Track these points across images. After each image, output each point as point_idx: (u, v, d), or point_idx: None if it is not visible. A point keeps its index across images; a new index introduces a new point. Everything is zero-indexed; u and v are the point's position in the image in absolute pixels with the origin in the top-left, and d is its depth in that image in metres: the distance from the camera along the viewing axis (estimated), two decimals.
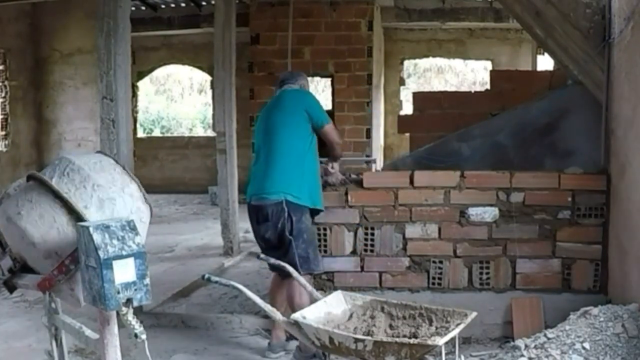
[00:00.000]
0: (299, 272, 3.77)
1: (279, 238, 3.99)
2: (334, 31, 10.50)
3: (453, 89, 17.79)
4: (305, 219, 4.03)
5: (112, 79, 4.78)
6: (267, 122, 4.16)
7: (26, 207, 2.47)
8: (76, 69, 11.84)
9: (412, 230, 4.49)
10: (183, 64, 13.82)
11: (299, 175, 4.00)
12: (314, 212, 4.17)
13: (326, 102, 16.37)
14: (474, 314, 3.10)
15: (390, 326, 3.15)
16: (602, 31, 4.17)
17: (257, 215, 4.05)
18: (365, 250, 4.54)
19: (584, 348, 3.21)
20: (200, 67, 13.48)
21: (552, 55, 5.13)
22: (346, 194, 4.50)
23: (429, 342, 2.79)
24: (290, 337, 4.18)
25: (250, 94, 10.73)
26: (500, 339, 4.30)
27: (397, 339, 2.86)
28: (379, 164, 10.34)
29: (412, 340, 2.82)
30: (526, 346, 3.41)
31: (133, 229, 2.31)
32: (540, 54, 10.67)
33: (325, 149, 4.31)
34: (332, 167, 4.43)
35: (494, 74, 6.90)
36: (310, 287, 3.59)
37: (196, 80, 20.59)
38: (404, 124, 6.08)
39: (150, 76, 15.50)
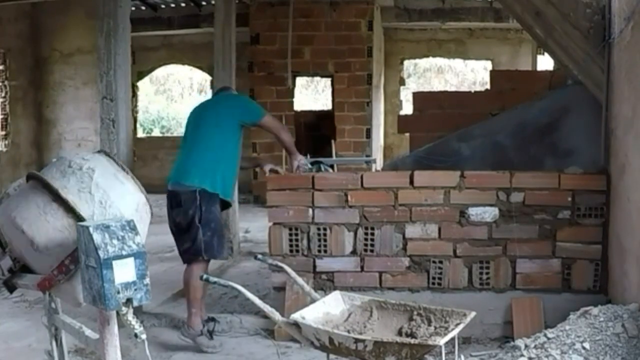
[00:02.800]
0: (203, 258, 4.28)
1: (188, 224, 4.26)
2: (334, 31, 10.50)
3: (453, 89, 17.80)
4: (215, 209, 4.30)
5: (112, 79, 4.78)
6: (198, 116, 4.54)
7: (26, 207, 2.47)
8: (76, 69, 11.83)
9: (412, 230, 4.49)
10: (183, 64, 13.82)
11: (214, 167, 4.28)
12: (225, 205, 4.49)
13: (326, 102, 16.48)
14: (473, 313, 3.10)
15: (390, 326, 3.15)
16: (602, 31, 4.17)
17: (172, 201, 4.36)
18: (365, 250, 4.54)
19: (584, 348, 3.21)
20: (200, 67, 13.47)
21: (552, 55, 5.13)
22: (346, 194, 4.51)
23: (429, 342, 2.79)
24: (208, 333, 4.33)
25: (250, 94, 10.73)
26: (500, 339, 4.30)
27: (397, 339, 2.86)
28: (379, 164, 10.34)
29: (412, 340, 2.83)
30: (526, 346, 3.41)
31: (133, 228, 2.31)
32: (540, 54, 10.68)
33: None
34: (297, 166, 4.59)
35: (494, 74, 6.90)
36: (308, 288, 3.59)
37: (196, 80, 20.59)
38: (404, 124, 6.09)
39: (150, 76, 15.50)
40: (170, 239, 7.91)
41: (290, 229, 4.61)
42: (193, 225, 4.24)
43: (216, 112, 4.48)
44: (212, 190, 4.27)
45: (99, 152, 2.82)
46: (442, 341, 2.78)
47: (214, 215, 4.30)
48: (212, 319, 4.44)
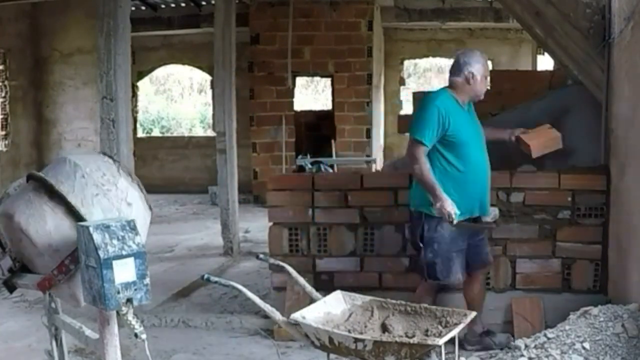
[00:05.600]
0: (425, 279, 3.96)
1: (412, 244, 4.09)
2: (334, 31, 10.51)
3: None
4: (441, 228, 3.83)
5: (112, 79, 4.79)
6: None
7: (25, 206, 2.47)
8: (76, 69, 11.83)
9: None
10: (183, 64, 13.82)
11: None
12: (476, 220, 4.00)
13: (326, 102, 16.49)
14: (473, 313, 3.11)
15: (390, 326, 3.15)
16: (602, 31, 4.17)
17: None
18: (365, 250, 4.54)
19: (584, 348, 3.21)
20: (200, 67, 13.47)
21: (552, 55, 5.14)
22: (346, 194, 4.51)
23: (429, 341, 2.80)
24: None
25: (250, 94, 10.75)
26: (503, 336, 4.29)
27: (397, 339, 2.86)
28: (379, 164, 10.34)
29: (412, 340, 2.83)
30: (526, 346, 3.41)
31: (133, 228, 2.31)
32: (540, 54, 10.68)
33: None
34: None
35: (494, 74, 6.87)
36: (309, 287, 3.59)
37: (196, 80, 20.60)
38: (404, 124, 6.07)
39: (150, 76, 15.50)
40: (170, 239, 8.01)
41: (290, 229, 4.61)
42: (416, 245, 3.98)
43: None
44: (430, 211, 3.83)
45: (99, 152, 2.82)
46: (441, 341, 2.78)
47: (440, 234, 3.84)
48: (489, 333, 4.16)
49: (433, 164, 3.81)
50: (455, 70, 3.93)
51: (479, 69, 3.88)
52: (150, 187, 3.15)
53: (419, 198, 3.91)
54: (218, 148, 7.11)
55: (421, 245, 3.91)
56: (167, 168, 13.22)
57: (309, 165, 8.62)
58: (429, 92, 4.07)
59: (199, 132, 18.84)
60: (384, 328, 3.14)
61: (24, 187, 2.59)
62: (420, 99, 4.00)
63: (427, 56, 13.77)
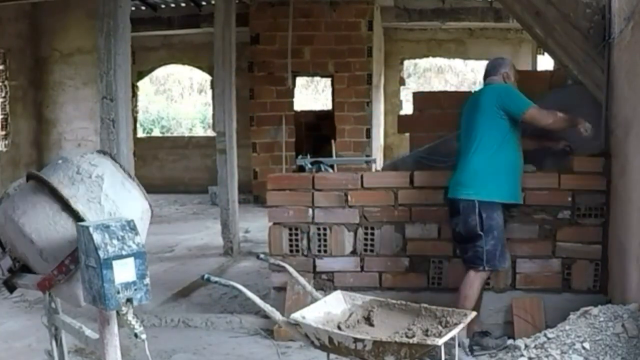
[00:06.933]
0: (484, 268, 4.00)
1: (469, 233, 4.04)
2: (334, 31, 10.51)
3: (453, 89, 17.80)
4: (497, 215, 4.02)
5: (112, 79, 4.79)
6: (465, 119, 4.25)
7: (25, 206, 2.47)
8: (76, 69, 11.83)
9: (412, 230, 4.49)
10: (183, 64, 13.82)
11: (491, 173, 4.03)
12: (510, 205, 4.17)
13: (326, 102, 16.49)
14: (474, 313, 3.12)
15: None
16: (602, 31, 4.18)
17: (451, 208, 4.16)
18: (365, 250, 4.55)
19: (584, 348, 3.21)
20: (200, 67, 13.47)
21: (552, 55, 5.12)
22: (346, 194, 4.51)
23: (429, 342, 2.80)
24: (471, 347, 4.09)
25: (250, 94, 10.75)
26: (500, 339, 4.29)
27: (397, 339, 2.86)
28: (379, 164, 10.33)
29: (411, 340, 2.83)
30: (526, 346, 3.41)
31: (133, 228, 2.31)
32: (540, 54, 10.67)
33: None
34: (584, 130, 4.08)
35: None
36: (310, 287, 3.59)
37: (196, 80, 20.60)
38: (404, 124, 6.08)
39: (150, 76, 15.50)
40: (170, 239, 8.01)
41: (290, 229, 4.61)
42: (474, 234, 4.00)
43: (480, 113, 4.12)
44: (491, 196, 4.00)
45: (100, 152, 2.80)
46: (441, 341, 2.78)
47: (497, 222, 4.02)
48: (486, 333, 4.16)
49: (508, 143, 4.07)
50: (492, 72, 4.33)
51: (510, 69, 4.33)
52: (150, 187, 3.15)
53: (470, 186, 4.02)
54: (218, 148, 7.11)
55: (481, 233, 3.97)
56: (167, 168, 13.23)
57: (309, 165, 8.60)
58: (494, 87, 4.23)
59: (199, 132, 18.85)
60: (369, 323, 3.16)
61: (24, 187, 2.59)
62: (500, 89, 4.17)
63: (427, 56, 13.77)
